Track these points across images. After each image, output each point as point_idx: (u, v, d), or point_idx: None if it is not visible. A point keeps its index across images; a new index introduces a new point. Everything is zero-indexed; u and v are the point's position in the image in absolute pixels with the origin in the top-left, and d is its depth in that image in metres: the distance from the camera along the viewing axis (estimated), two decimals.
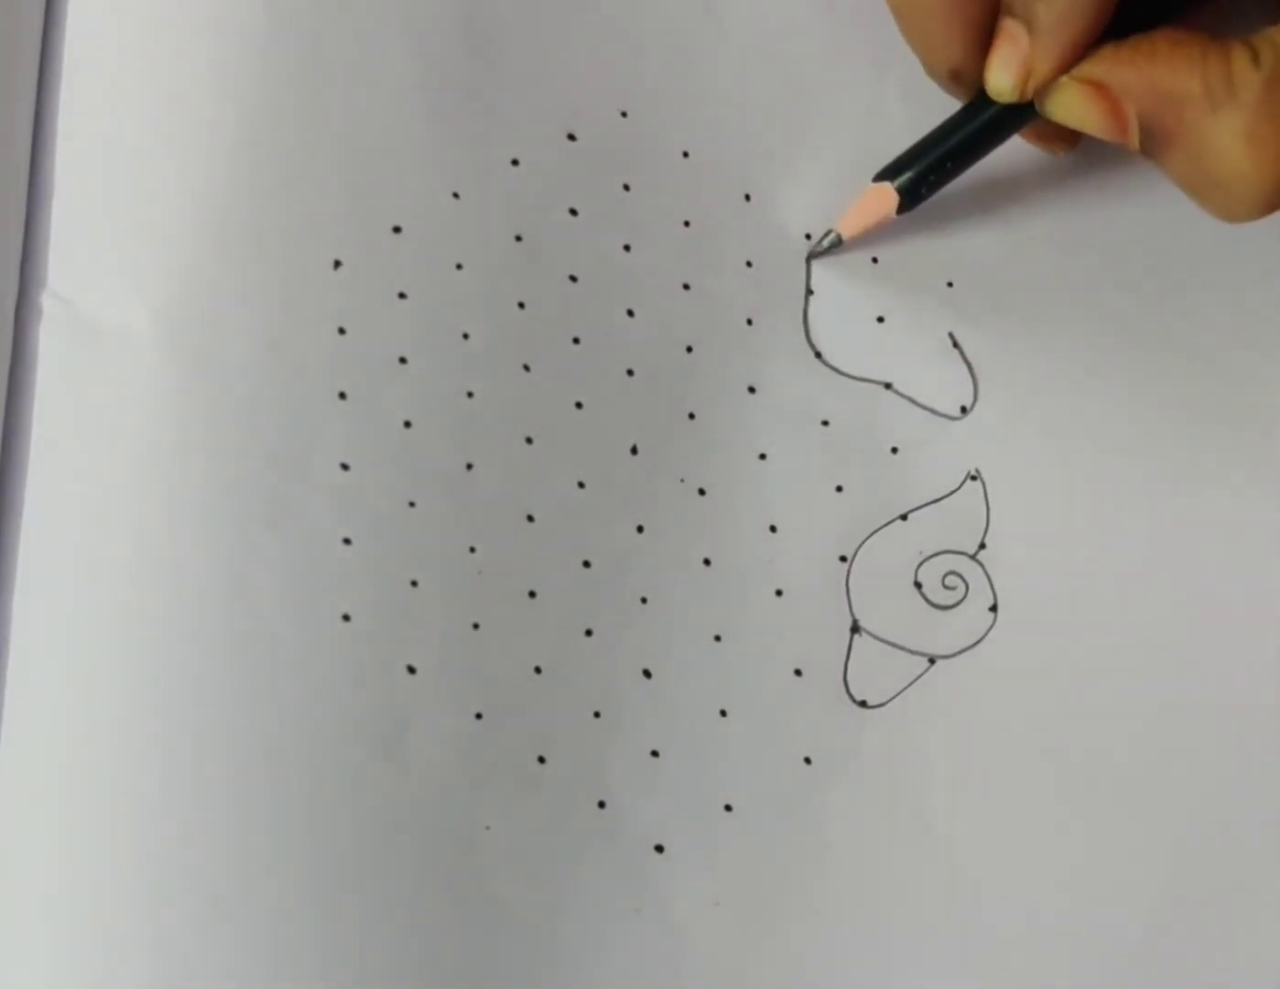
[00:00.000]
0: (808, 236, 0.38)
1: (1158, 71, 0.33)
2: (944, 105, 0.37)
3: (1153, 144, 0.33)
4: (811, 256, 0.37)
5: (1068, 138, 0.37)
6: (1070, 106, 0.34)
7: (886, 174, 0.36)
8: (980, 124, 0.36)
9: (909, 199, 0.36)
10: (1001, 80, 0.34)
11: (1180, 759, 0.36)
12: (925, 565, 0.37)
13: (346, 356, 0.34)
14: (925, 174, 0.36)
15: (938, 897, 0.35)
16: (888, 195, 0.36)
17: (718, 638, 0.35)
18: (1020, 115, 0.35)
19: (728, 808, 0.35)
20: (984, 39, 0.34)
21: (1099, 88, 0.33)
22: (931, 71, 0.36)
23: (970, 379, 0.37)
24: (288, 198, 0.34)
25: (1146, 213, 0.39)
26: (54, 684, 0.32)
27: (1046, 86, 0.34)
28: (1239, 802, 0.36)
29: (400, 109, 0.36)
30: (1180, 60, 0.32)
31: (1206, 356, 0.38)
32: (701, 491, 0.36)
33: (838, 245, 0.37)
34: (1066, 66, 0.34)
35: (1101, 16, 0.33)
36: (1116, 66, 0.33)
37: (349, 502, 0.33)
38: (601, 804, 0.34)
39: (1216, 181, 0.33)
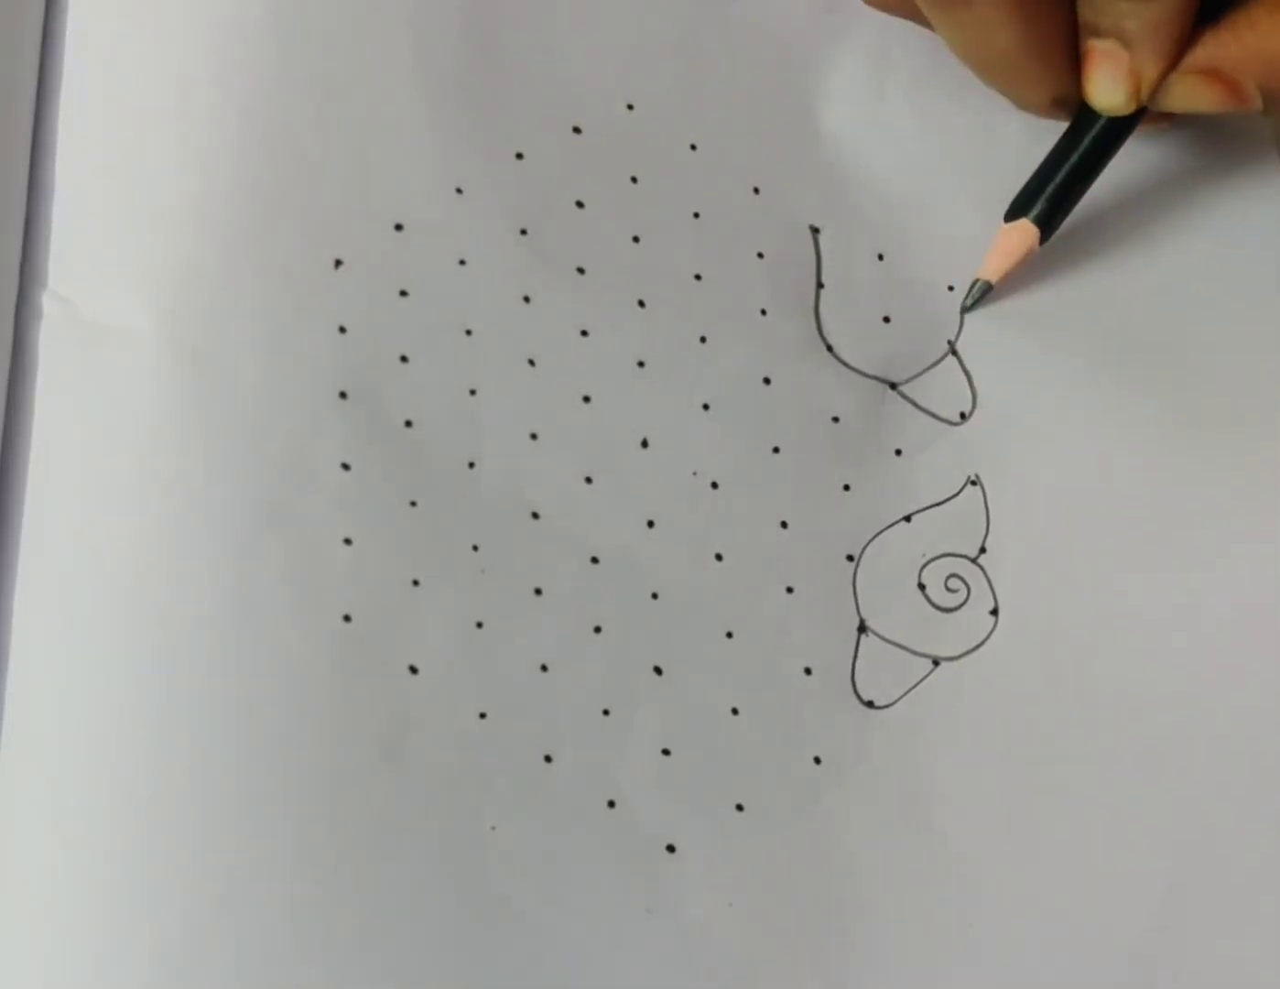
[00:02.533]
0: (815, 229, 0.38)
1: (1265, 41, 0.33)
2: (949, 96, 0.37)
3: (1275, 105, 0.34)
4: (965, 311, 0.38)
5: (1169, 115, 0.37)
6: (1189, 98, 0.35)
7: (1017, 210, 0.36)
8: (1094, 138, 0.36)
9: (1047, 230, 0.36)
10: (1113, 97, 0.35)
11: (1181, 760, 0.36)
12: (929, 567, 0.36)
13: (348, 355, 0.34)
14: (1058, 201, 0.36)
15: (943, 894, 0.34)
16: (1028, 232, 0.37)
17: (729, 635, 0.35)
18: (1133, 119, 0.36)
19: (739, 807, 0.34)
20: (1074, 64, 0.35)
21: (1212, 73, 0.34)
22: (1027, 108, 0.36)
23: (969, 386, 0.37)
24: (288, 195, 0.34)
25: (1146, 218, 0.39)
26: (54, 684, 0.31)
27: (1159, 87, 0.34)
28: (1240, 803, 0.36)
29: (401, 104, 0.35)
30: None
31: (1206, 361, 0.38)
32: (714, 485, 0.36)
33: (988, 292, 0.37)
34: (1173, 64, 0.34)
35: (1190, 9, 0.33)
36: (1222, 48, 0.34)
37: (350, 501, 0.33)
38: (611, 804, 0.34)
39: None
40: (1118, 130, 0.36)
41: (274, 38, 0.35)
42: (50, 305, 0.33)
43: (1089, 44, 0.35)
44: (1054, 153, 0.37)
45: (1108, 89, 0.35)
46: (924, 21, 0.36)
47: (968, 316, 0.38)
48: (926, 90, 0.38)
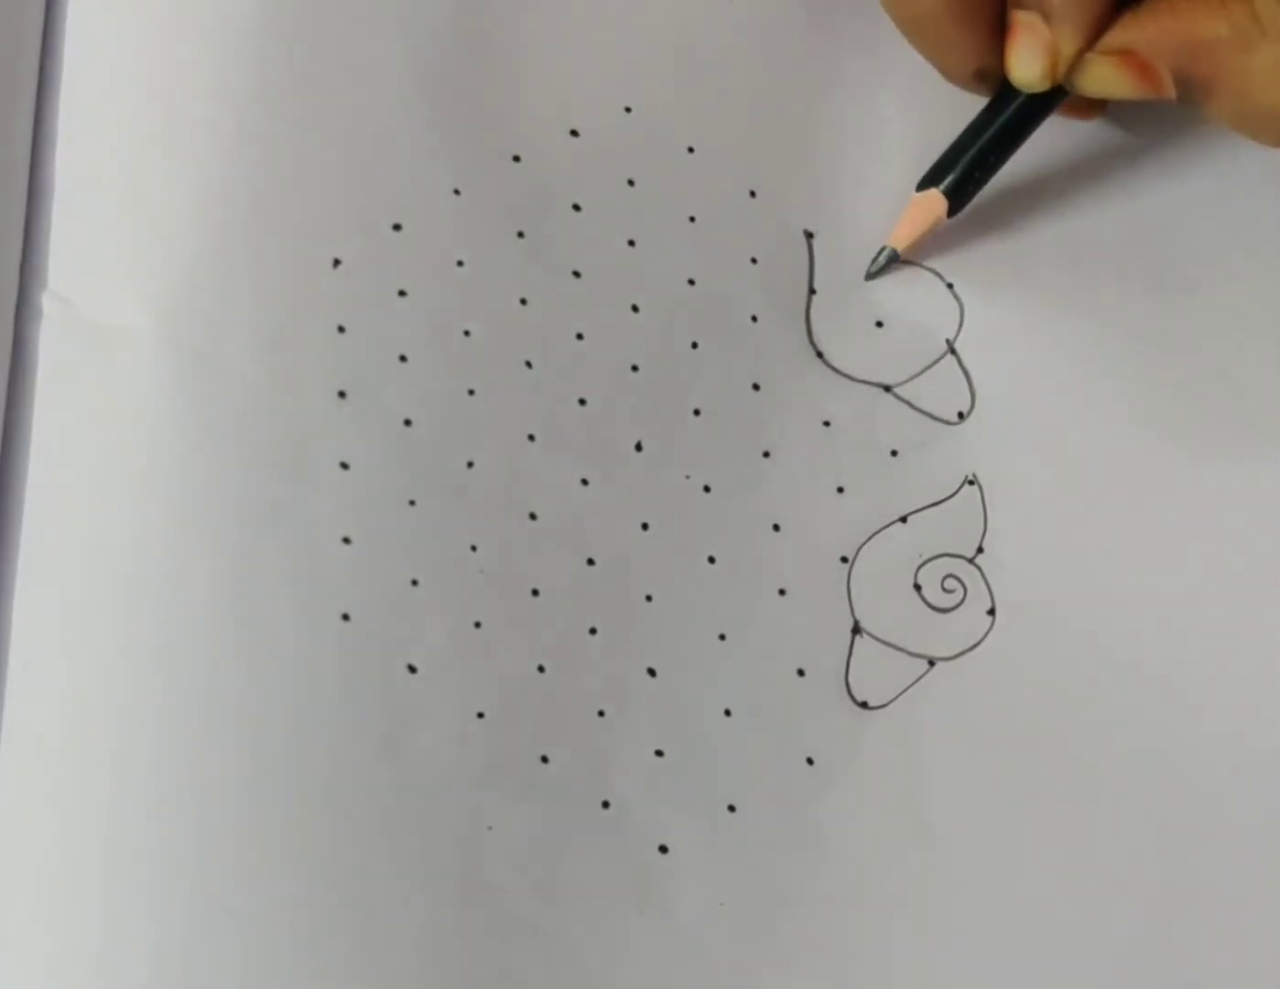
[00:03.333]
0: (809, 234, 0.38)
1: (1182, 26, 0.33)
2: (945, 99, 0.37)
3: (1192, 93, 0.34)
4: (869, 277, 0.38)
5: (1098, 105, 0.37)
6: (1103, 79, 0.34)
7: (929, 180, 0.36)
8: (1012, 114, 0.36)
9: (956, 201, 0.36)
10: (1029, 71, 0.35)
11: (1178, 760, 0.36)
12: (924, 568, 0.36)
13: (346, 355, 0.34)
14: (969, 173, 0.36)
15: (937, 896, 0.35)
16: (935, 201, 0.36)
17: (722, 637, 0.35)
18: (1051, 98, 0.36)
19: (731, 808, 0.34)
20: (999, 35, 0.35)
21: (1127, 55, 0.34)
22: (951, 77, 0.36)
23: (967, 386, 0.37)
24: (287, 196, 0.34)
25: (1146, 218, 0.39)
26: (54, 683, 0.31)
27: (1075, 66, 0.34)
28: (1238, 803, 0.36)
29: (400, 105, 0.36)
30: (1201, 10, 0.33)
31: (1206, 361, 0.38)
32: (706, 489, 0.36)
33: (895, 260, 0.37)
34: (1090, 44, 0.34)
35: None
36: (1140, 31, 0.33)
37: (349, 500, 0.33)
38: (605, 804, 0.34)
39: (1266, 114, 0.33)
40: (1035, 108, 0.36)
41: (273, 38, 0.35)
42: (50, 305, 0.33)
43: (1013, 15, 0.35)
44: (972, 125, 0.36)
45: (1026, 63, 0.35)
46: None
47: (967, 319, 0.38)
48: (923, 94, 0.38)
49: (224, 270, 0.34)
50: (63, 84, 0.34)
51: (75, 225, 0.34)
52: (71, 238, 0.34)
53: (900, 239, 0.37)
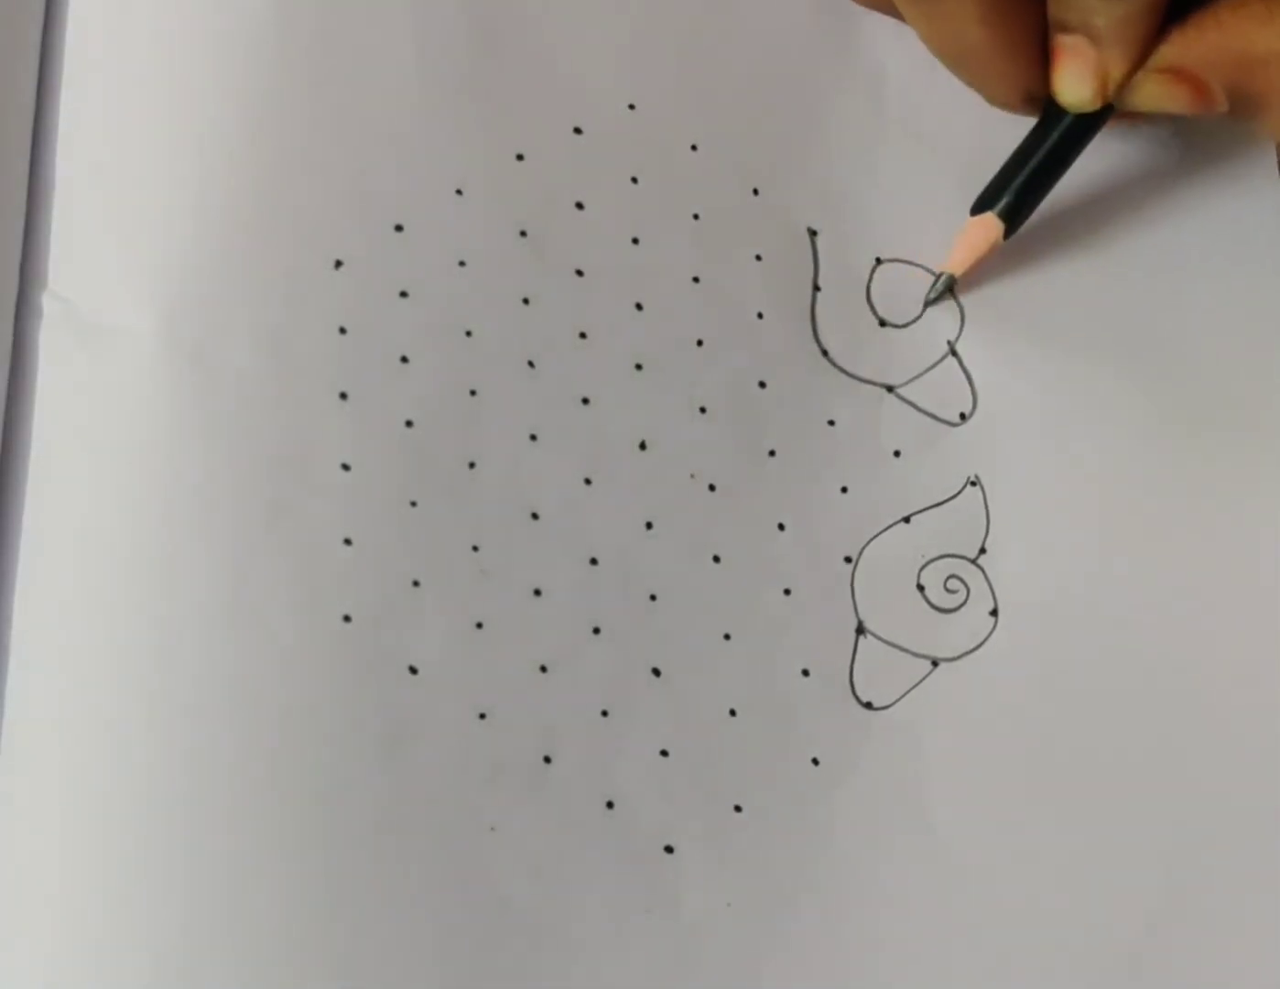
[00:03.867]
0: (812, 232, 0.38)
1: (1230, 41, 0.33)
2: (947, 97, 0.37)
3: (1243, 107, 0.34)
4: (928, 304, 0.38)
5: (1145, 116, 0.37)
6: (1154, 97, 0.35)
7: (984, 204, 0.37)
8: (1062, 134, 0.36)
9: (1012, 224, 0.37)
10: (1079, 93, 0.35)
11: (1180, 761, 0.36)
12: (928, 568, 0.37)
13: (348, 356, 0.34)
14: (1023, 195, 0.36)
15: (941, 896, 0.35)
16: (991, 225, 0.37)
17: (727, 636, 0.35)
18: (1099, 117, 0.36)
19: (737, 808, 0.34)
20: (1044, 61, 0.35)
21: (1179, 72, 0.34)
22: (997, 103, 0.36)
23: (969, 387, 0.37)
24: (288, 196, 0.34)
25: (1149, 221, 0.39)
26: (53, 684, 0.31)
27: (1126, 85, 0.34)
28: (1239, 804, 0.36)
29: (402, 104, 0.36)
30: (1250, 24, 0.33)
31: (1208, 363, 0.39)
32: (711, 488, 0.36)
33: (952, 286, 0.37)
34: (1139, 62, 0.34)
35: (1158, 7, 0.34)
36: (1189, 48, 0.34)
37: (350, 501, 0.33)
38: (610, 804, 0.34)
39: None
40: (1085, 127, 0.36)
41: (275, 36, 0.35)
42: (50, 305, 0.33)
43: (1057, 39, 0.35)
44: (1022, 147, 0.37)
45: (1074, 85, 0.35)
46: (900, 16, 0.36)
47: (969, 320, 0.38)
48: (925, 91, 0.38)
49: (225, 270, 0.34)
50: (63, 83, 0.34)
51: (75, 225, 0.34)
52: (71, 237, 0.34)
53: (958, 265, 0.37)
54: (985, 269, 0.38)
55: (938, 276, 0.38)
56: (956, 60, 0.36)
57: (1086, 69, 0.35)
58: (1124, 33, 0.34)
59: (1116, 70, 0.34)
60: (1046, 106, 0.36)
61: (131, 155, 0.34)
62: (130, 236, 0.34)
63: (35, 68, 0.34)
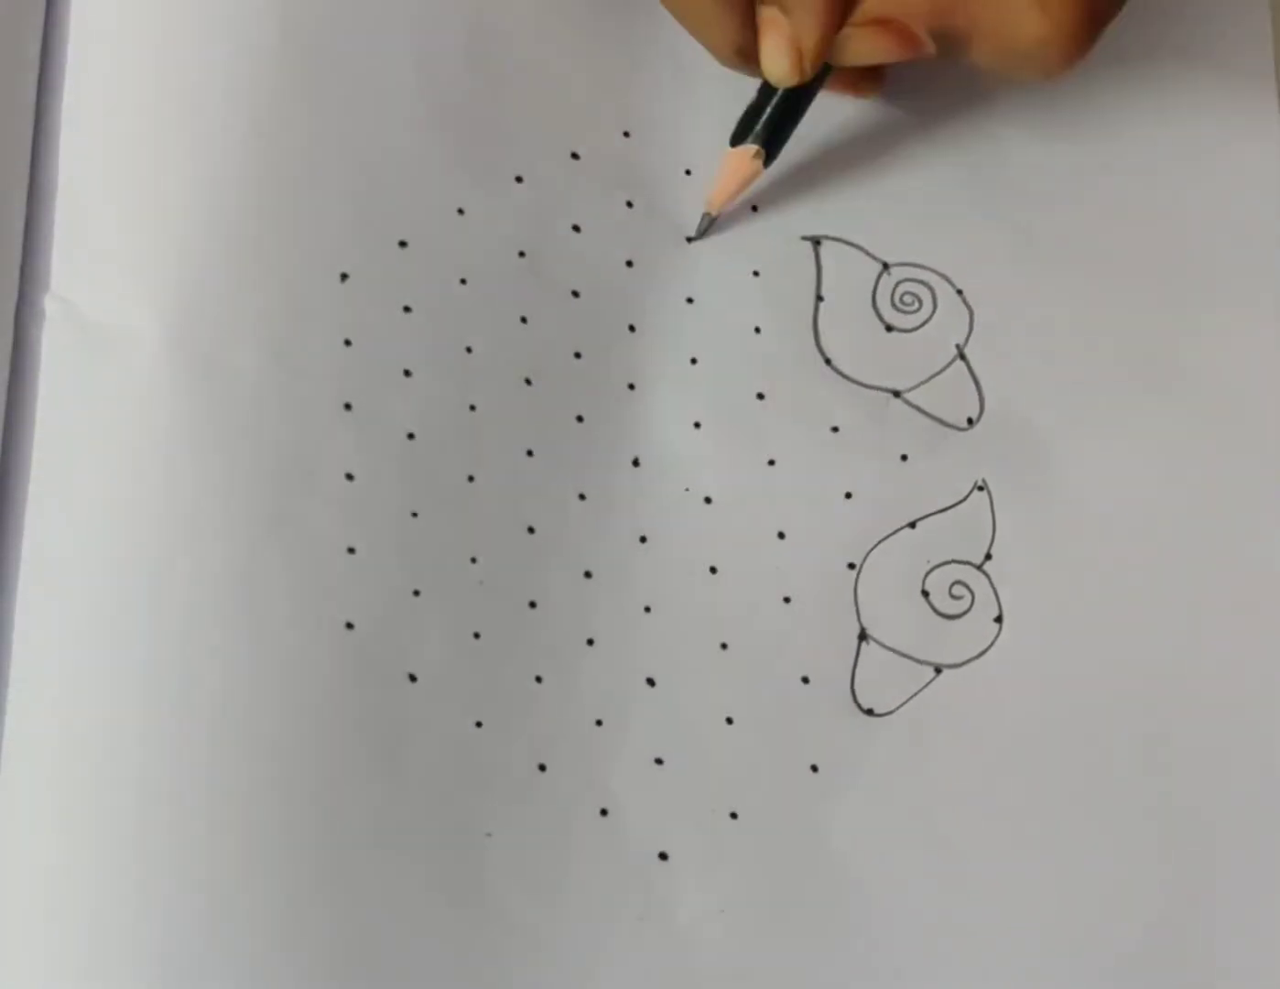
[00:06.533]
0: (815, 242, 0.38)
1: None
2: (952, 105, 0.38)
3: (951, 46, 0.34)
4: (692, 240, 0.38)
5: (871, 78, 0.38)
6: (863, 51, 0.34)
7: (739, 138, 0.36)
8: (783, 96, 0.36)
9: (771, 150, 0.36)
10: (778, 68, 0.35)
11: (1185, 767, 0.36)
12: (932, 574, 0.37)
13: (352, 368, 0.35)
14: (775, 126, 0.36)
15: (942, 902, 0.35)
16: (747, 155, 0.36)
17: (724, 646, 0.35)
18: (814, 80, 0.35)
19: (733, 815, 0.35)
20: (753, 18, 0.35)
21: (882, 23, 0.34)
22: (717, 55, 0.36)
23: (977, 392, 0.37)
24: (296, 209, 0.35)
25: (1153, 225, 0.39)
26: (55, 688, 0.32)
27: (833, 46, 0.34)
28: (1242, 810, 0.36)
29: (407, 126, 0.36)
30: None
31: (1213, 369, 0.38)
32: (708, 500, 0.36)
33: (714, 221, 0.37)
34: (832, 30, 0.34)
35: None
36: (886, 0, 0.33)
37: (353, 511, 0.34)
38: (604, 812, 0.34)
39: (1023, 54, 0.34)
40: (800, 93, 0.36)
41: (284, 54, 0.36)
42: (52, 306, 0.34)
43: (759, 12, 0.35)
44: (755, 102, 0.36)
45: (773, 61, 0.35)
46: None
47: (977, 324, 0.38)
48: (930, 100, 0.38)
49: (232, 278, 0.34)
50: (65, 84, 0.35)
51: (78, 227, 0.34)
52: (74, 239, 0.34)
53: (719, 201, 0.37)
54: (946, 248, 0.38)
55: (702, 216, 0.37)
56: (678, 12, 0.36)
57: (783, 42, 0.34)
58: (810, 1, 0.34)
59: (809, 41, 0.34)
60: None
61: (137, 160, 0.35)
62: (133, 240, 0.34)
63: (35, 68, 0.35)
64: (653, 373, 0.37)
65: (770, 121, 0.36)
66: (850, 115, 0.38)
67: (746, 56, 0.35)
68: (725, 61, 0.36)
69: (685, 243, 0.38)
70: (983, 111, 0.39)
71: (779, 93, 0.36)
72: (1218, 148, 0.40)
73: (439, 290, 0.36)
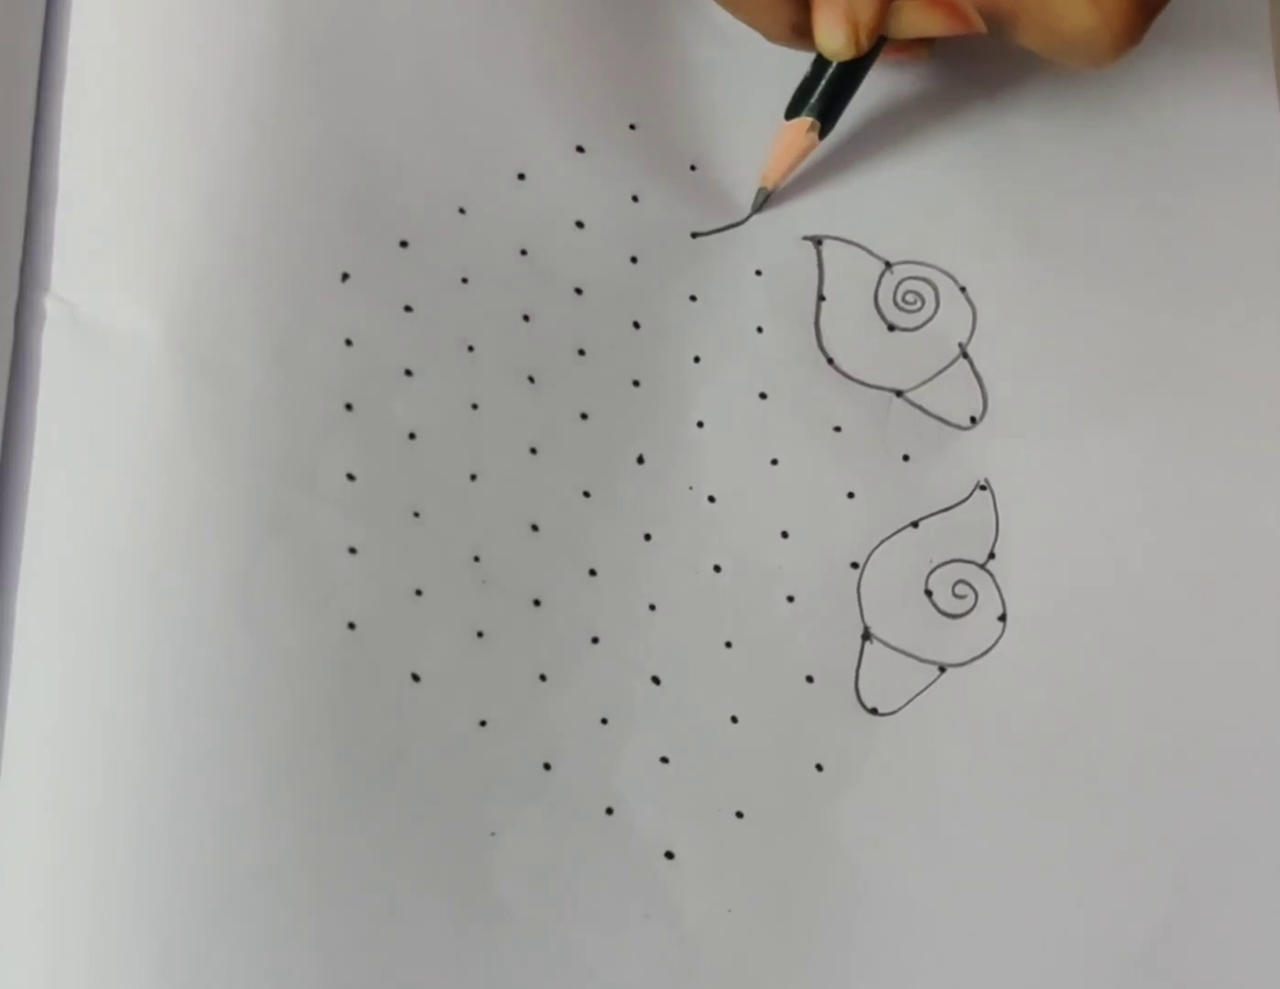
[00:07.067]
0: (817, 242, 0.38)
1: None
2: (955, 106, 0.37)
3: (1001, 25, 0.34)
4: (752, 214, 0.38)
5: (922, 45, 0.38)
6: (913, 23, 0.35)
7: (794, 111, 0.37)
8: (837, 70, 0.36)
9: (826, 123, 0.37)
10: (834, 42, 0.35)
11: (1191, 768, 0.36)
12: (936, 573, 0.37)
13: (353, 368, 0.35)
14: (830, 99, 0.37)
15: (946, 902, 0.35)
16: (802, 127, 0.37)
17: (729, 644, 0.35)
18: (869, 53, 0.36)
19: (739, 814, 0.35)
20: None
21: None
22: (772, 38, 0.36)
23: (979, 390, 0.37)
24: (297, 208, 0.35)
25: (1155, 223, 0.39)
26: (55, 688, 0.32)
27: (888, 19, 0.35)
28: (1247, 809, 0.36)
29: (408, 123, 0.36)
30: None
31: (1217, 368, 0.38)
32: (711, 499, 0.36)
33: (770, 195, 0.38)
34: (887, 3, 0.34)
35: None
36: None
37: (355, 511, 0.34)
38: (609, 811, 0.34)
39: (1070, 40, 0.34)
40: (856, 65, 0.36)
41: (285, 52, 0.36)
42: (53, 307, 0.34)
43: None
44: (810, 75, 0.37)
45: (829, 35, 0.35)
46: None
47: (980, 322, 0.38)
48: (931, 97, 0.38)
49: (233, 279, 0.34)
50: (65, 85, 0.35)
51: (79, 227, 0.34)
52: (75, 240, 0.34)
53: (774, 174, 0.38)
54: (946, 244, 0.38)
55: (758, 191, 0.38)
56: (730, 1, 0.36)
57: (839, 16, 0.35)
58: None
59: (865, 15, 0.35)
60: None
61: (139, 160, 0.35)
62: (133, 240, 0.34)
63: (35, 69, 0.35)
64: (656, 370, 0.36)
65: (825, 94, 0.36)
66: (851, 115, 0.38)
67: (802, 33, 0.35)
68: (779, 40, 0.36)
69: (690, 238, 0.38)
70: (986, 109, 0.39)
71: (833, 66, 0.36)
72: (1220, 147, 0.40)
73: (440, 289, 0.35)
